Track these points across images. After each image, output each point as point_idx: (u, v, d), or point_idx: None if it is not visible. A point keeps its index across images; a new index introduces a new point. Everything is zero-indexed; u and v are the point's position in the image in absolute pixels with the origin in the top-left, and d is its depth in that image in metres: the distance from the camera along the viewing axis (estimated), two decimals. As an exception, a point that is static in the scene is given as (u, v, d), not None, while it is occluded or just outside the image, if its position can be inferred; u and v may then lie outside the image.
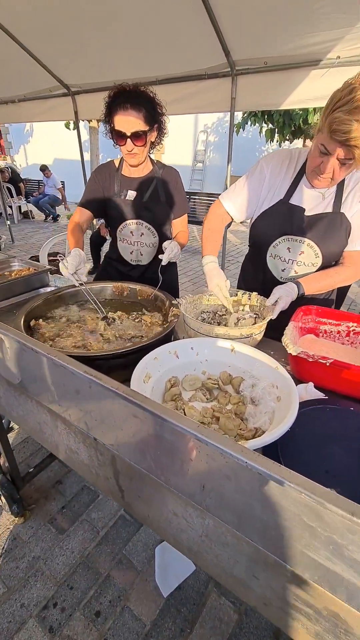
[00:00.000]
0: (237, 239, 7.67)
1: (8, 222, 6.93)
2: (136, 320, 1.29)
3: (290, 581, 0.56)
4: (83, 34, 3.04)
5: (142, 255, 1.67)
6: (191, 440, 0.57)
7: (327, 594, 0.52)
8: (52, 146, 12.11)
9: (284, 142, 6.13)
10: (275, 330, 1.13)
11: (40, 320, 1.23)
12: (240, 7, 2.37)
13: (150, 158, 1.60)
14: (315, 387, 0.95)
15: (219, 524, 0.62)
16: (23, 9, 2.87)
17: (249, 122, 6.11)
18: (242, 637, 1.29)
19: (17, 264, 1.82)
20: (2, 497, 1.62)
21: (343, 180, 1.19)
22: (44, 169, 8.62)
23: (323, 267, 1.28)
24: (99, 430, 0.78)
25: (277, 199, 1.27)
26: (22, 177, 9.38)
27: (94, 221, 5.58)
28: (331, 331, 1.18)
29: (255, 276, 1.46)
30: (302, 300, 1.21)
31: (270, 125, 6.04)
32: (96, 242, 4.98)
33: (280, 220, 1.27)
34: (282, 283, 1.24)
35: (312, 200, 1.23)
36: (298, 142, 6.47)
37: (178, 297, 1.62)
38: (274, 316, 1.11)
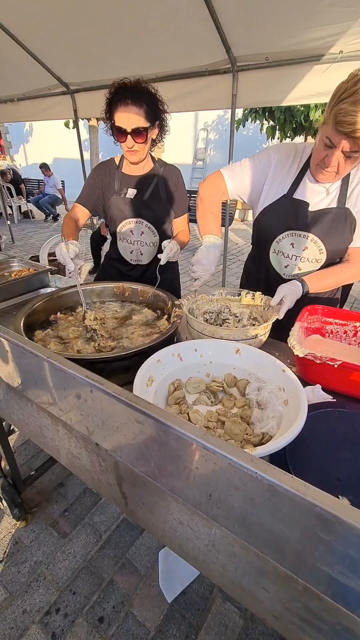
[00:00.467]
0: (238, 237, 7.63)
1: (8, 222, 6.92)
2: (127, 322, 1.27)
3: (302, 595, 0.54)
4: (81, 31, 3.00)
5: (142, 254, 1.65)
6: (197, 448, 0.54)
7: (342, 609, 0.50)
8: (52, 145, 12.06)
9: (285, 139, 6.10)
10: (279, 330, 1.11)
11: (58, 313, 1.26)
12: (241, 1, 2.33)
13: (152, 156, 1.57)
14: (322, 389, 0.92)
15: (226, 533, 0.60)
16: (20, 6, 2.84)
17: (249, 119, 6.07)
18: (248, 642, 1.27)
19: (17, 264, 1.80)
20: (3, 501, 1.60)
21: (348, 176, 1.16)
22: (43, 167, 8.53)
23: (327, 264, 1.25)
24: (100, 435, 0.76)
25: (281, 194, 1.25)
26: (23, 177, 9.35)
27: (95, 220, 5.55)
28: (337, 331, 1.15)
29: (258, 275, 1.44)
30: (305, 299, 1.18)
31: (271, 123, 6.01)
32: (97, 241, 4.95)
33: (284, 215, 1.25)
34: (285, 281, 1.21)
35: (316, 195, 1.20)
36: (299, 140, 6.43)
37: (179, 297, 1.59)
38: (280, 316, 1.08)
